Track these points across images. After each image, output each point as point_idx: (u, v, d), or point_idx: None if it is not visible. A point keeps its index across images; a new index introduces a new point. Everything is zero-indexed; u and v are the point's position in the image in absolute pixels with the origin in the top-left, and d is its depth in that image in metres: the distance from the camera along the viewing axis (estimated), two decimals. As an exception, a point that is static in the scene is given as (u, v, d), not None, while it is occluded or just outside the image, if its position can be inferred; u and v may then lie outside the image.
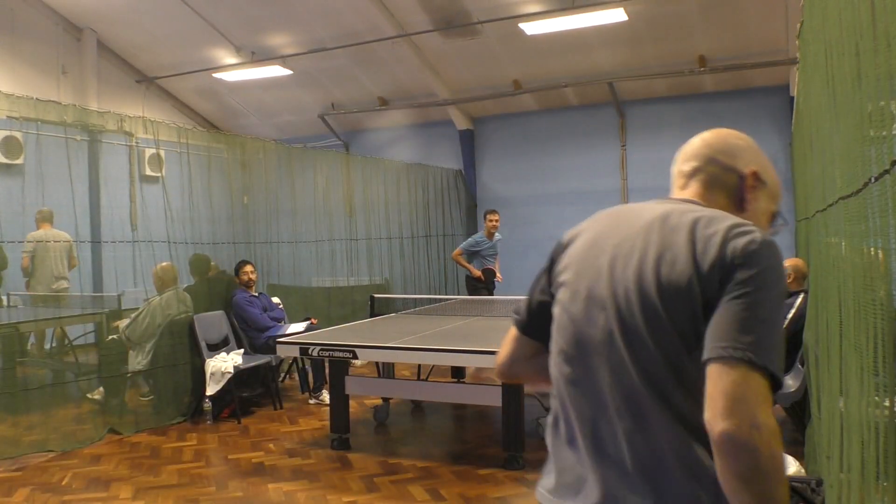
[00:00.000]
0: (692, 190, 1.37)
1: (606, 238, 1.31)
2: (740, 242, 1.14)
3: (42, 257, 6.63)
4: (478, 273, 7.89)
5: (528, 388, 4.78)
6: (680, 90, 9.78)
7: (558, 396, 1.32)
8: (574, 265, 1.33)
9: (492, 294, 8.08)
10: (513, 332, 1.48)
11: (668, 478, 1.14)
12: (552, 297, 1.37)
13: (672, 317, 1.15)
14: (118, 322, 5.89)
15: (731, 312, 1.09)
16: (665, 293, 1.16)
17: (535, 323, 1.42)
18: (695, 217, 1.21)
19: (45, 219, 6.34)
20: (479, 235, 8.18)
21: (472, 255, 8.06)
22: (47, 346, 6.95)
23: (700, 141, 1.40)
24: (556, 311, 1.34)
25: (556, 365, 1.32)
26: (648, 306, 1.17)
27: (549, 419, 1.36)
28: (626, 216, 1.33)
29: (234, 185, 7.23)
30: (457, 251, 8.19)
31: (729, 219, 1.20)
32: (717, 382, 1.05)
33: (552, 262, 1.40)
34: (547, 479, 1.32)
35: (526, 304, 1.45)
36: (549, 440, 1.34)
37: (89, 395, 5.83)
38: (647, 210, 1.30)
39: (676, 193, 1.39)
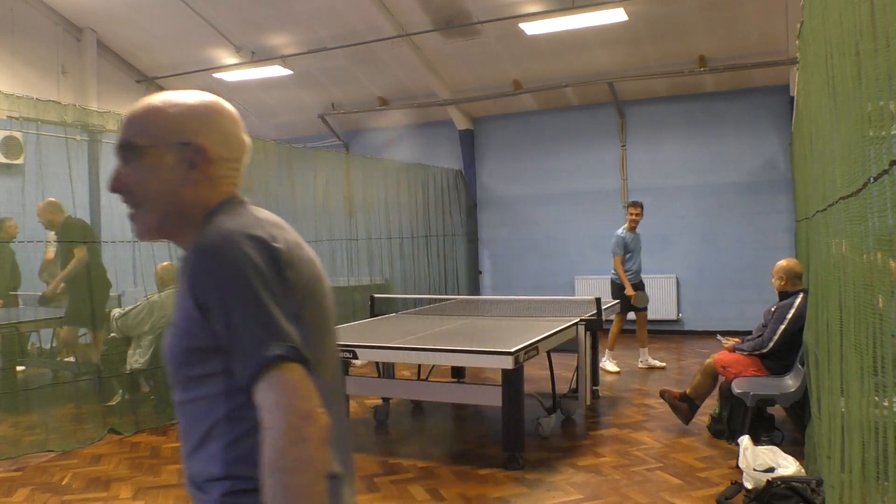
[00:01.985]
0: None
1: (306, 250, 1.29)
2: None
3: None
4: (631, 292, 7.36)
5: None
6: (680, 90, 9.78)
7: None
8: (315, 279, 1.26)
9: (632, 306, 7.50)
10: (306, 373, 1.10)
11: None
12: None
13: None
14: (114, 309, 5.87)
15: None
16: None
17: None
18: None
19: None
20: (622, 231, 7.66)
21: (625, 252, 7.55)
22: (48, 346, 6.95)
23: None
24: (320, 322, 1.26)
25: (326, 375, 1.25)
26: None
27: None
28: (291, 229, 1.31)
29: (234, 185, 7.20)
30: (616, 259, 7.53)
31: None
32: None
33: (287, 276, 1.17)
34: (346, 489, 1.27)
35: (294, 332, 1.12)
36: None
37: (109, 403, 5.77)
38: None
39: (238, 191, 1.33)
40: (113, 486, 4.29)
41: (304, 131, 11.92)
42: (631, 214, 7.59)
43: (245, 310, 1.09)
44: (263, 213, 1.25)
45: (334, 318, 1.32)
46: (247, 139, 1.34)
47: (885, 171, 1.18)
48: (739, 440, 3.98)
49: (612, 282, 7.64)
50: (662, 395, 5.28)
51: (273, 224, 1.22)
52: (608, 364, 7.40)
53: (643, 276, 7.86)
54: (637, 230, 7.67)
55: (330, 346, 1.29)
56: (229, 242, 1.13)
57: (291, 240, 1.22)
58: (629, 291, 7.38)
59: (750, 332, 5.26)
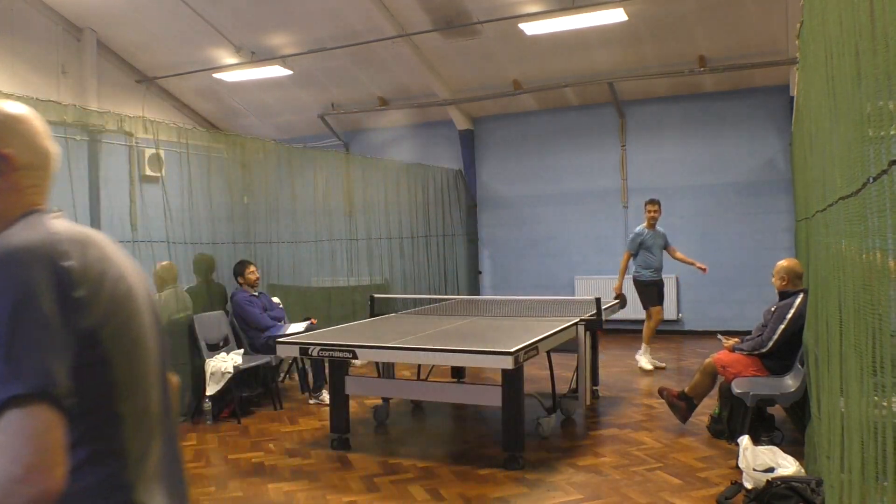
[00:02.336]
0: None
1: (130, 276, 1.22)
2: None
3: None
4: (619, 292, 7.27)
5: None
6: (680, 90, 9.78)
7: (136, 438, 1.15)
8: (123, 295, 1.17)
9: (655, 302, 7.61)
10: (54, 418, 0.97)
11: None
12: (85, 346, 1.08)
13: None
14: None
15: None
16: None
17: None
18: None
19: None
20: (640, 228, 7.72)
21: (638, 249, 7.62)
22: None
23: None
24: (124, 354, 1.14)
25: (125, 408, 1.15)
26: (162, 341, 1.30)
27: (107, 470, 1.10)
28: (104, 241, 1.22)
29: (234, 185, 7.22)
30: (625, 254, 7.70)
31: None
32: None
33: (77, 297, 1.07)
34: None
35: (60, 369, 1.01)
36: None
37: None
38: (98, 234, 1.23)
39: (45, 203, 1.24)
40: (113, 486, 4.29)
41: (304, 131, 11.92)
42: (648, 212, 7.69)
43: (3, 338, 0.99)
44: (62, 227, 1.15)
45: (153, 335, 1.24)
46: (53, 149, 1.26)
47: (885, 171, 1.18)
48: (739, 440, 3.98)
49: (635, 279, 7.68)
50: (661, 392, 5.29)
51: (70, 239, 1.12)
52: (642, 360, 7.46)
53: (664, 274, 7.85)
54: (658, 227, 7.71)
55: (144, 365, 1.19)
56: (7, 260, 1.04)
57: (93, 255, 1.13)
58: (616, 290, 7.43)
59: (750, 332, 5.26)
